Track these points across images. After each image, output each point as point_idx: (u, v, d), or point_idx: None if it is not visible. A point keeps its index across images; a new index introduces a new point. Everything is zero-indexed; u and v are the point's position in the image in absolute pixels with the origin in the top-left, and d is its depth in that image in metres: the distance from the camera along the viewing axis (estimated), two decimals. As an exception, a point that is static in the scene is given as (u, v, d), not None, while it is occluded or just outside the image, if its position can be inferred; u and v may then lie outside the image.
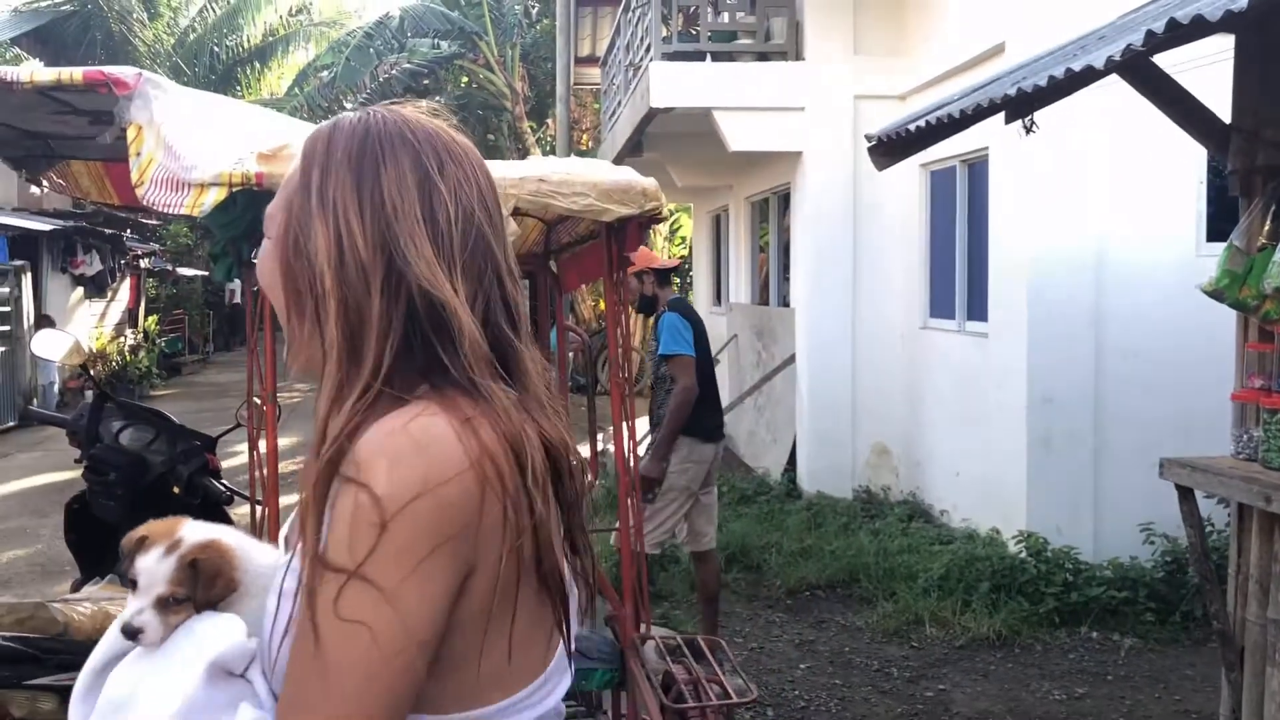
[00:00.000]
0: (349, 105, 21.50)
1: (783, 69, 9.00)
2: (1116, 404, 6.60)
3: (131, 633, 1.18)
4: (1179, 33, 2.65)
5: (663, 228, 19.86)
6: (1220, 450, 3.81)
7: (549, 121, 20.79)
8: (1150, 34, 2.64)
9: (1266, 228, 3.57)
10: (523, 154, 19.41)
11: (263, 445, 3.33)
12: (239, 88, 25.16)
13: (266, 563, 1.24)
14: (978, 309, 7.61)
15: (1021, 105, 3.59)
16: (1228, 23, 2.75)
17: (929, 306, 8.60)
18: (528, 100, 20.75)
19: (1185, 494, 3.76)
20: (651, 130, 10.23)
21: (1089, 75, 3.07)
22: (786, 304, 10.41)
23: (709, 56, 9.21)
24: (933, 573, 6.41)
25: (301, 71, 24.44)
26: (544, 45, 19.48)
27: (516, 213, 2.95)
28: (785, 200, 10.39)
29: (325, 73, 22.00)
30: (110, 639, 1.21)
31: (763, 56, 9.21)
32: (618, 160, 11.53)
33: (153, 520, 1.27)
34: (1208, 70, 4.37)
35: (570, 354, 10.90)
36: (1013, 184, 6.83)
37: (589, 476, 4.82)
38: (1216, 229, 6.31)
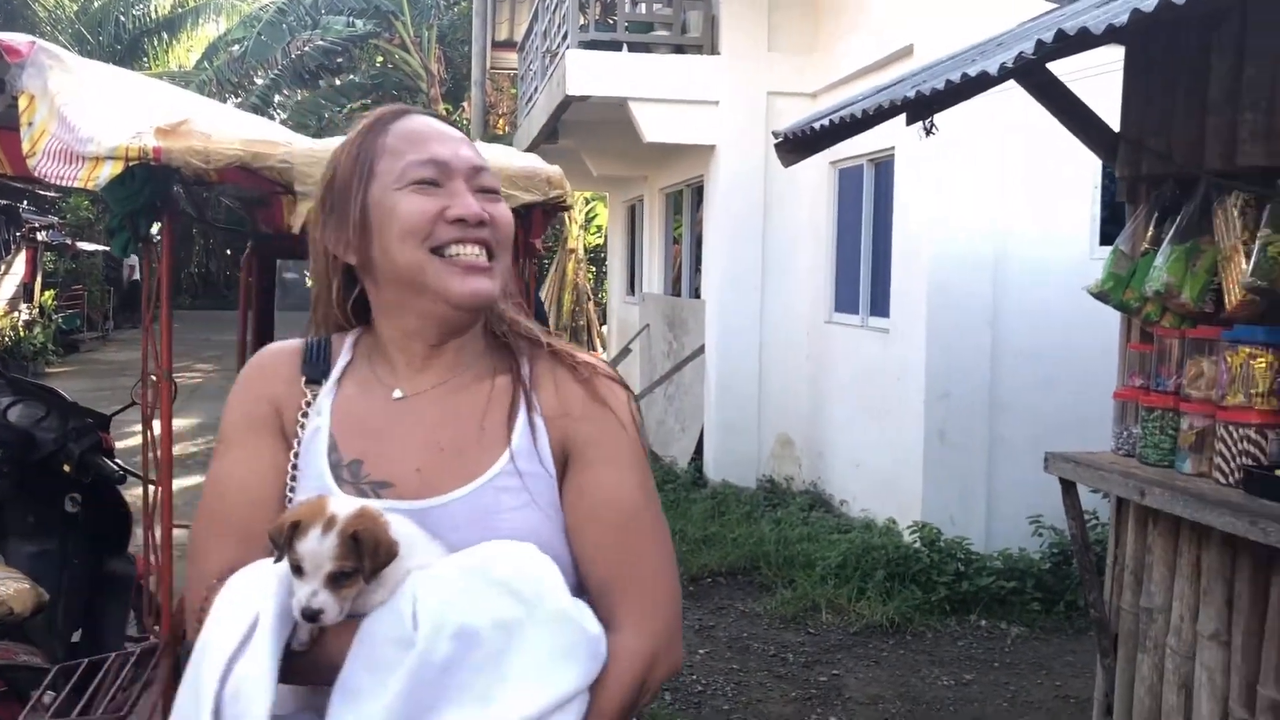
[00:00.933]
0: (260, 80, 21.09)
1: (698, 62, 9.07)
2: (1010, 400, 6.81)
3: (312, 615, 1.21)
4: (1067, 43, 2.76)
5: (578, 216, 19.85)
6: (1106, 446, 3.97)
7: (465, 105, 20.60)
8: (1040, 43, 2.75)
9: (1149, 233, 3.72)
10: (437, 137, 19.21)
11: (158, 425, 3.28)
12: (145, 59, 24.48)
13: (398, 528, 1.27)
14: (880, 305, 7.78)
15: (921, 107, 3.69)
16: (1115, 35, 2.87)
17: (834, 301, 8.76)
18: (443, 83, 20.55)
19: (1068, 487, 3.90)
20: (567, 118, 10.23)
21: (984, 81, 3.17)
22: (698, 295, 10.50)
23: (625, 47, 9.24)
24: (830, 561, 6.56)
25: (211, 45, 23.88)
26: (461, 28, 19.31)
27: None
28: (699, 192, 10.47)
29: (236, 47, 21.53)
30: (234, 627, 1.21)
31: (679, 49, 9.28)
32: (533, 147, 11.49)
33: (296, 505, 1.29)
34: (1102, 79, 4.53)
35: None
36: (916, 184, 6.99)
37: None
38: (1109, 233, 6.54)
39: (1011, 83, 3.73)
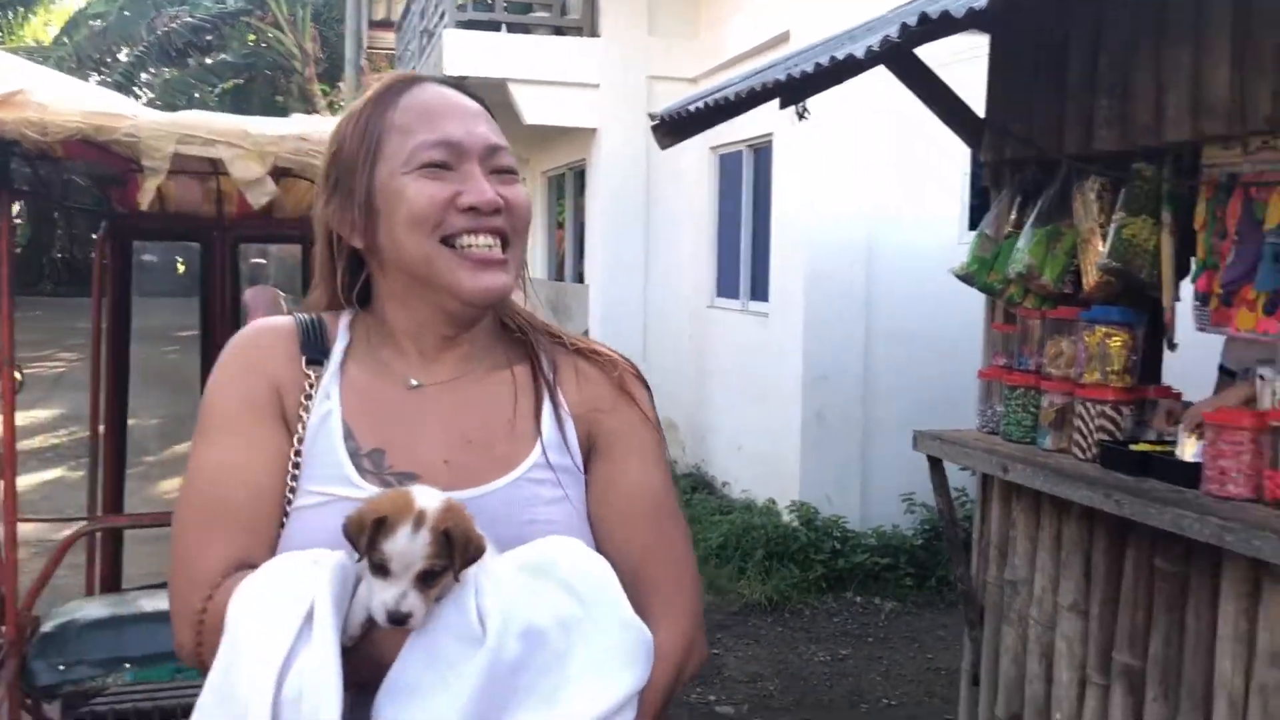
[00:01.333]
0: (123, 57, 20.24)
1: (579, 44, 9.02)
2: (884, 382, 6.95)
3: (401, 618, 1.11)
4: (930, 27, 2.80)
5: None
6: (973, 425, 4.06)
7: (341, 86, 20.13)
8: (905, 26, 2.78)
9: (1012, 217, 3.82)
10: (314, 118, 18.73)
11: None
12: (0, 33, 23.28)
13: None
14: (760, 290, 7.86)
15: (794, 91, 3.71)
16: (977, 20, 2.92)
17: (716, 286, 8.82)
18: (319, 62, 20.03)
19: (935, 464, 3.99)
20: (446, 99, 10.06)
21: (853, 65, 3.20)
22: (581, 280, 10.47)
23: (504, 27, 9.13)
24: (711, 542, 6.62)
25: (71, 19, 22.80)
26: (337, 6, 18.82)
27: (281, 173, 2.85)
28: (581, 176, 10.43)
29: (98, 21, 20.59)
30: (284, 623, 1.10)
31: (559, 31, 9.21)
32: (411, 128, 11.29)
33: (369, 500, 1.16)
34: (968, 66, 4.63)
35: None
36: (793, 170, 7.07)
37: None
38: (979, 218, 6.70)
39: (883, 68, 3.79)
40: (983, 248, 3.89)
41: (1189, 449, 3.08)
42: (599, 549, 1.28)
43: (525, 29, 9.21)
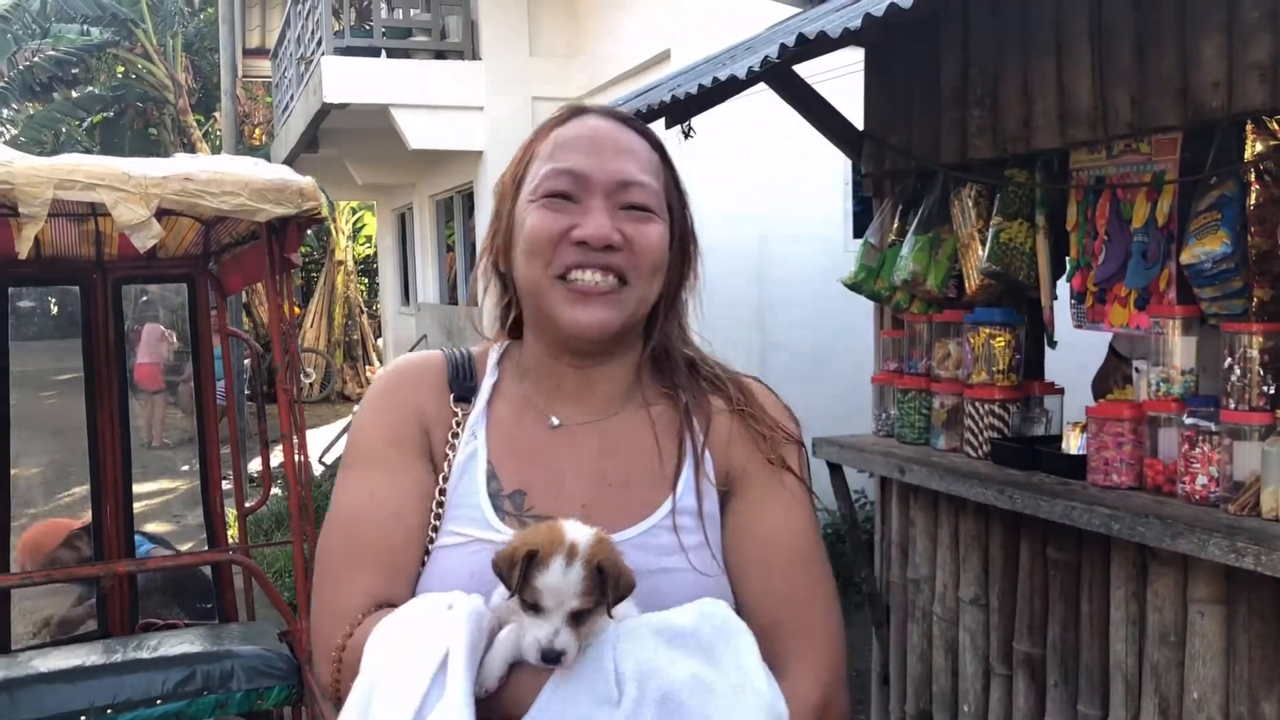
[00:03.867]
0: (-16, 93, 19.44)
1: (460, 68, 8.99)
2: (779, 390, 7.03)
3: (555, 656, 1.07)
4: (808, 46, 2.87)
5: (345, 227, 19.31)
6: (868, 429, 4.17)
7: (216, 115, 19.67)
8: (783, 46, 2.85)
9: (895, 225, 3.93)
10: (189, 148, 18.21)
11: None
12: None
13: None
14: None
15: (678, 111, 3.77)
16: (852, 38, 3.01)
17: (610, 303, 8.84)
18: (193, 93, 19.52)
19: (835, 470, 4.08)
20: (327, 126, 9.93)
21: (735, 84, 3.27)
22: (475, 303, 10.39)
23: (384, 53, 9.05)
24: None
25: (-75, 55, 21.77)
26: (209, 35, 18.38)
27: (164, 213, 2.78)
28: (470, 198, 10.37)
29: (-46, 57, 19.72)
30: (420, 667, 1.06)
31: (440, 55, 9.17)
32: (292, 156, 11.10)
33: (520, 534, 1.12)
34: (846, 80, 4.76)
35: (245, 361, 10.38)
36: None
37: (262, 490, 4.63)
38: (863, 227, 6.88)
39: (763, 84, 3.87)
40: (868, 256, 4.00)
41: (1074, 441, 3.22)
42: (735, 595, 1.25)
43: (406, 54, 9.14)
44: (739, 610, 1.23)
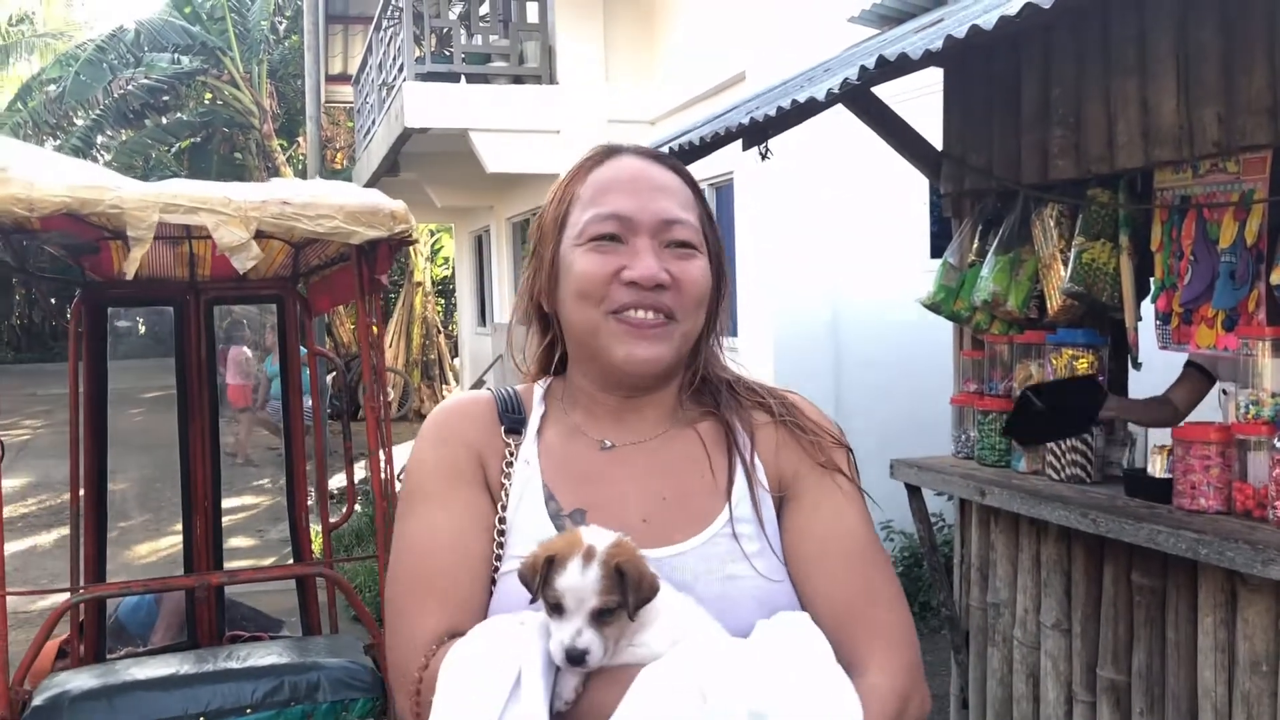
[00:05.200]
0: (80, 121, 20.16)
1: (537, 92, 9.12)
2: (857, 412, 7.01)
3: (578, 655, 1.11)
4: (888, 68, 2.89)
5: (424, 249, 19.64)
6: (946, 450, 4.14)
7: (300, 140, 20.16)
8: (863, 69, 2.87)
9: (975, 246, 3.91)
10: (272, 172, 18.70)
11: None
12: (-49, 102, 23.17)
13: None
14: (729, 325, 7.91)
15: (755, 133, 3.80)
16: (932, 59, 3.02)
17: (685, 323, 8.86)
18: (277, 118, 20.04)
19: (914, 492, 4.06)
20: (408, 150, 10.13)
21: (813, 106, 3.29)
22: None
23: (464, 78, 9.22)
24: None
25: (25, 85, 22.64)
26: (293, 62, 18.89)
27: (260, 235, 2.89)
28: (544, 221, 10.49)
29: (53, 86, 20.50)
30: (494, 686, 1.09)
31: (517, 79, 9.30)
32: (373, 180, 11.34)
33: (541, 544, 1.17)
34: (924, 101, 4.75)
35: (329, 379, 10.61)
36: (756, 206, 7.17)
37: (345, 506, 4.74)
38: (940, 245, 6.82)
39: (840, 105, 3.88)
40: (947, 277, 3.98)
41: (1159, 465, 3.17)
42: (800, 597, 1.28)
43: (484, 79, 9.30)
44: (804, 609, 1.26)
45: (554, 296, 1.35)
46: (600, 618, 1.11)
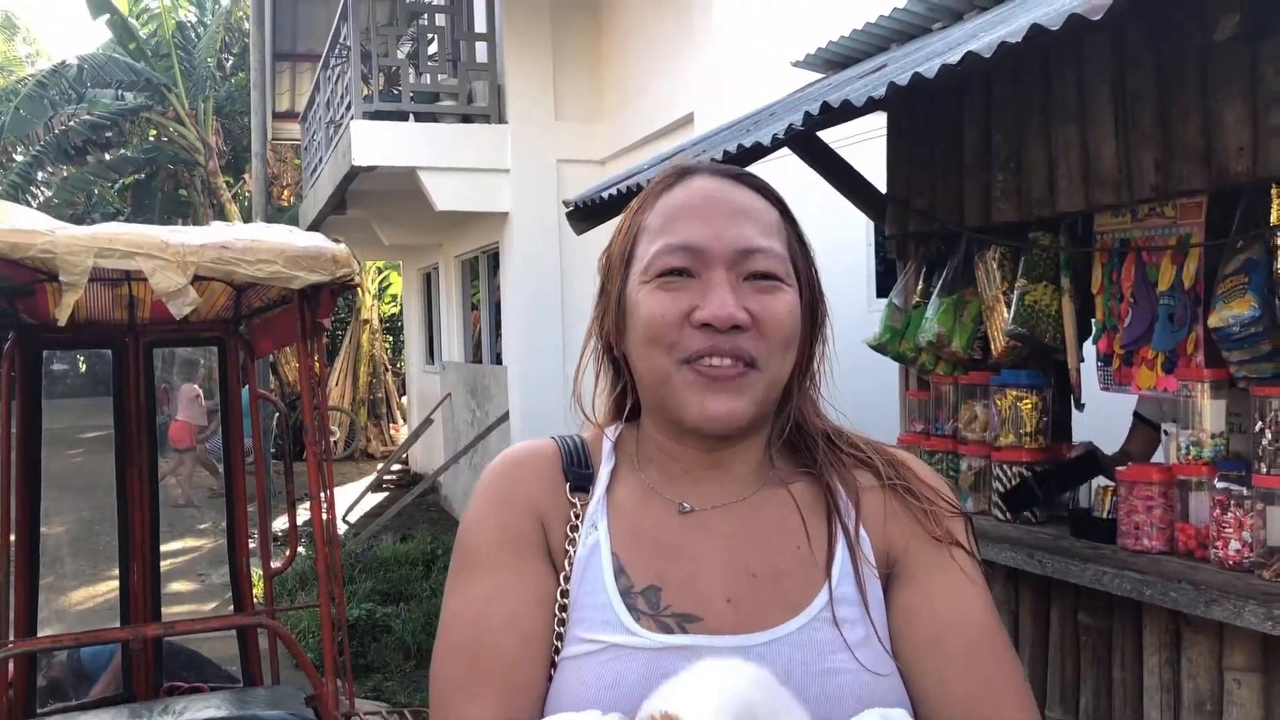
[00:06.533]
0: (19, 157, 19.84)
1: (486, 131, 9.13)
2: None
3: None
4: (833, 113, 2.91)
5: (372, 286, 19.51)
6: (893, 490, 4.14)
7: (246, 177, 19.99)
8: (808, 114, 2.89)
9: (919, 287, 3.95)
10: (218, 210, 18.52)
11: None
12: (-114, 135, 22.70)
13: (727, 700, 0.92)
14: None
15: (703, 175, 3.81)
16: (875, 105, 3.05)
17: (634, 362, 8.86)
18: (223, 155, 19.88)
19: (862, 533, 4.05)
20: (355, 188, 10.08)
21: (759, 150, 3.31)
22: (499, 361, 10.46)
23: (412, 116, 9.20)
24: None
25: (-37, 121, 22.29)
26: (240, 99, 18.77)
27: (199, 279, 2.84)
28: (495, 258, 10.47)
29: (-9, 123, 20.18)
30: None
31: (466, 119, 9.31)
32: (320, 218, 11.26)
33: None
34: (868, 145, 4.81)
35: (273, 421, 10.46)
36: (706, 245, 7.21)
37: (288, 550, 4.65)
38: (886, 287, 6.89)
39: (786, 149, 3.92)
40: (893, 317, 4.01)
41: (1104, 505, 3.20)
42: (911, 694, 1.11)
43: (433, 117, 9.29)
44: (916, 708, 1.10)
45: (622, 340, 1.17)
46: None
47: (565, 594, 1.12)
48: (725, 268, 1.11)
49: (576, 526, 1.15)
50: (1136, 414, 3.49)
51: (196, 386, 12.57)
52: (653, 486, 1.18)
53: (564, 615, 1.11)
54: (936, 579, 1.13)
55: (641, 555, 1.13)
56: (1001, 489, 3.49)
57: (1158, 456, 3.33)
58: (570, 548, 1.14)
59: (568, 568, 1.13)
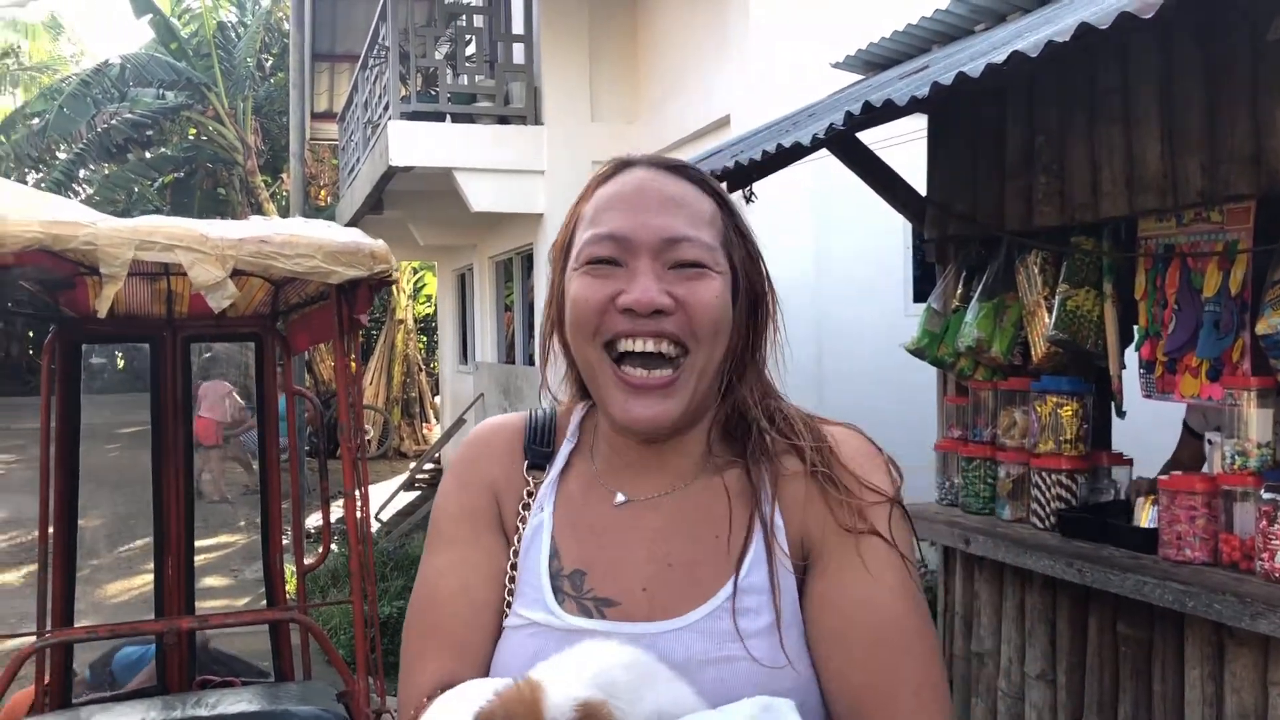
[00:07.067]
0: (62, 155, 20.11)
1: (523, 132, 9.13)
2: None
3: None
4: (873, 114, 2.89)
5: (407, 286, 19.61)
6: (930, 497, 4.10)
7: (284, 176, 20.15)
8: (849, 114, 2.87)
9: (959, 291, 3.90)
10: (256, 208, 18.67)
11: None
12: (-67, 133, 23.11)
13: (623, 666, 1.02)
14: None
15: (740, 177, 3.79)
16: (917, 106, 3.02)
17: (667, 364, 8.84)
18: (261, 154, 20.04)
19: (897, 539, 4.01)
20: (392, 188, 10.11)
21: (798, 151, 3.28)
22: (532, 362, 10.46)
23: (449, 117, 9.23)
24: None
25: (8, 118, 22.64)
26: (279, 99, 18.92)
27: (237, 273, 2.84)
28: (529, 260, 10.48)
29: (36, 120, 20.48)
30: None
31: (503, 120, 9.32)
32: (356, 218, 11.32)
33: (499, 698, 1.02)
34: (909, 146, 4.77)
35: (307, 417, 10.52)
36: (741, 247, 7.17)
37: (321, 547, 4.66)
38: (924, 291, 6.83)
39: (825, 150, 3.89)
40: (931, 322, 3.97)
41: (1144, 514, 3.14)
42: (820, 682, 1.12)
43: (470, 118, 9.31)
44: (825, 698, 1.12)
45: (562, 329, 1.21)
46: None
47: (514, 567, 1.21)
48: (651, 256, 1.14)
49: (528, 505, 1.23)
50: (1185, 424, 3.44)
51: (227, 383, 12.68)
52: (598, 475, 1.23)
53: (512, 586, 1.20)
54: (846, 569, 1.13)
55: (575, 541, 1.20)
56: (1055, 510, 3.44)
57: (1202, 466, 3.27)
58: (520, 525, 1.23)
59: (516, 543, 1.22)
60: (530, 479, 1.25)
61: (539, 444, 1.27)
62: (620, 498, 1.21)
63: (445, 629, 1.19)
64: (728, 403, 1.22)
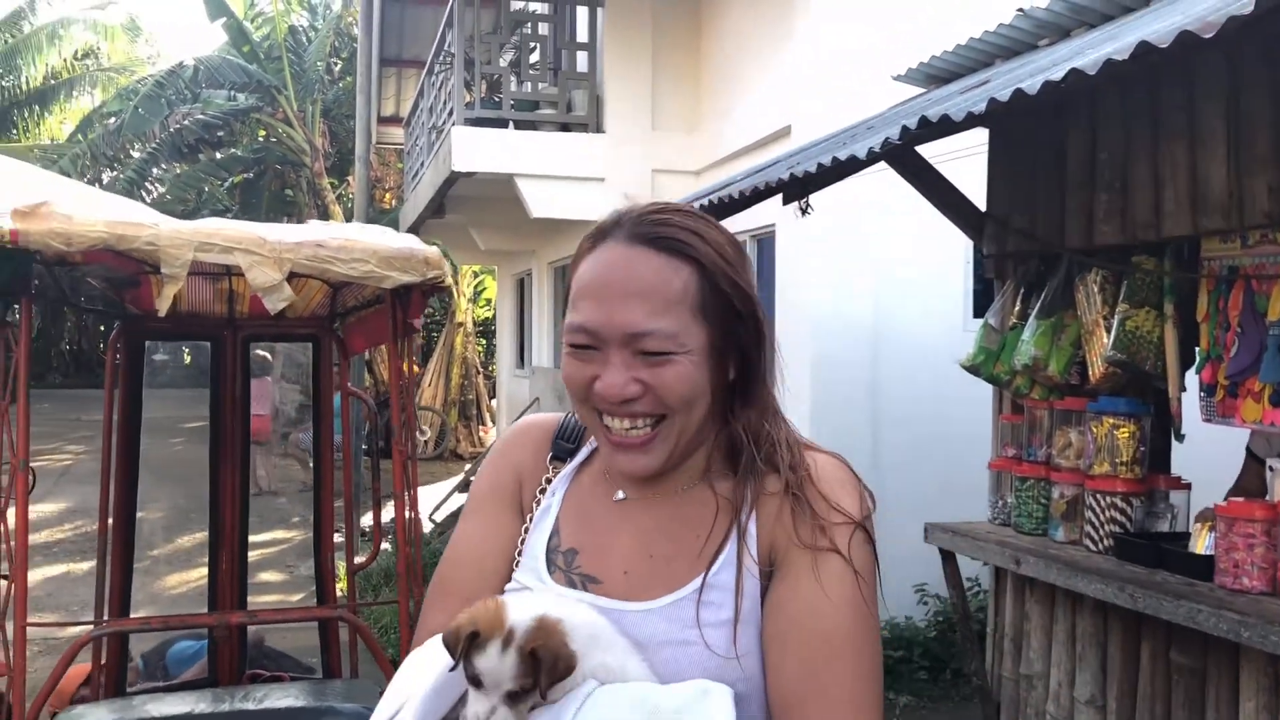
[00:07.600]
0: (136, 154, 20.58)
1: (584, 140, 9.17)
2: (893, 469, 6.90)
3: None
4: (931, 128, 2.86)
5: (467, 290, 19.78)
6: (983, 515, 4.05)
7: (350, 179, 20.44)
8: (905, 128, 2.84)
9: (1016, 308, 3.85)
10: (322, 210, 18.95)
11: (13, 516, 3.11)
12: (15, 131, 23.77)
13: (583, 619, 1.22)
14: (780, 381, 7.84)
15: (796, 188, 3.78)
16: (976, 120, 2.99)
17: (722, 374, 8.81)
18: (328, 157, 20.35)
19: (947, 557, 3.97)
20: (454, 193, 10.21)
21: (855, 163, 3.27)
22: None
23: (512, 124, 9.30)
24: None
25: (86, 118, 23.27)
26: (346, 102, 19.20)
27: (294, 276, 2.89)
28: (586, 267, 10.50)
29: (112, 120, 21.00)
30: (384, 711, 1.21)
31: (565, 127, 9.37)
32: (419, 221, 11.45)
33: (469, 609, 1.21)
34: (969, 161, 4.72)
35: (362, 415, 10.65)
36: (796, 260, 7.14)
37: (372, 546, 4.71)
38: (982, 307, 6.74)
39: (884, 163, 3.86)
40: (988, 339, 3.92)
41: (1201, 541, 3.07)
42: (767, 678, 1.23)
43: (532, 125, 9.38)
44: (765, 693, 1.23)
45: None
46: (514, 697, 1.16)
47: (523, 541, 1.38)
48: (619, 345, 1.25)
49: (544, 490, 1.41)
50: (1249, 449, 3.36)
51: (268, 379, 12.90)
52: (608, 474, 1.38)
53: (519, 559, 1.37)
54: (802, 579, 1.24)
55: (574, 525, 1.36)
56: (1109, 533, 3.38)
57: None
58: (535, 506, 1.40)
59: (528, 521, 1.39)
60: (551, 468, 1.42)
61: (566, 440, 1.44)
62: (620, 495, 1.36)
63: (458, 586, 1.36)
64: (728, 429, 1.34)
